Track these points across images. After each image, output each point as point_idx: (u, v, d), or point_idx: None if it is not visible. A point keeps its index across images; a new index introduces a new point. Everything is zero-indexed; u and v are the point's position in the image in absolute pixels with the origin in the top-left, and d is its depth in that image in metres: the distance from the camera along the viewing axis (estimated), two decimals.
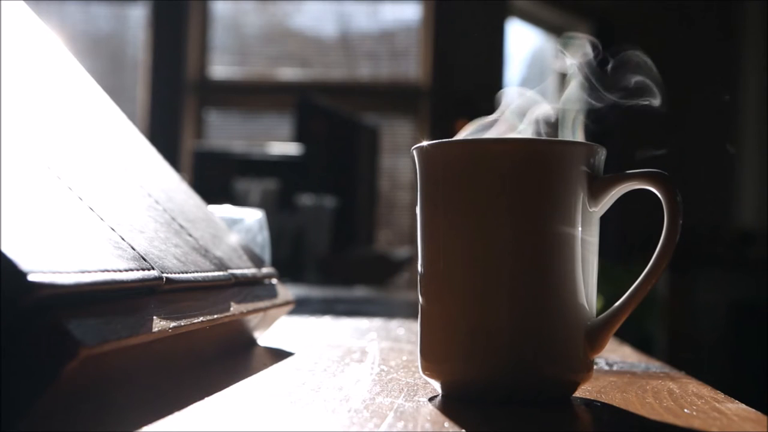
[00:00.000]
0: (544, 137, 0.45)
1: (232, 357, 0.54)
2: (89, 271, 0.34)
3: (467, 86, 3.53)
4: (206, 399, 0.39)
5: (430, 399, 0.41)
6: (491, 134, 0.45)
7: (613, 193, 0.42)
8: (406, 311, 1.05)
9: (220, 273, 0.52)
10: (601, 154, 0.42)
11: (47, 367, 0.30)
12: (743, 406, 0.40)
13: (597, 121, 0.45)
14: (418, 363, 0.43)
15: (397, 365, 0.52)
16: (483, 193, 0.40)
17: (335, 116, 2.75)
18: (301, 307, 0.96)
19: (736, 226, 3.54)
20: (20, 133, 0.41)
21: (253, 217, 0.75)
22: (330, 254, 2.23)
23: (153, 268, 0.41)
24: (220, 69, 3.81)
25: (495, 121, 0.45)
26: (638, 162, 0.45)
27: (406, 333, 0.73)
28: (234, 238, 0.64)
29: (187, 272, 0.46)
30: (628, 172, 0.42)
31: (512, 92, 0.45)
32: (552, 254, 0.40)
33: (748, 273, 3.30)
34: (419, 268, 0.43)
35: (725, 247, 3.40)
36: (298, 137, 2.58)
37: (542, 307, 0.40)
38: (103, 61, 3.75)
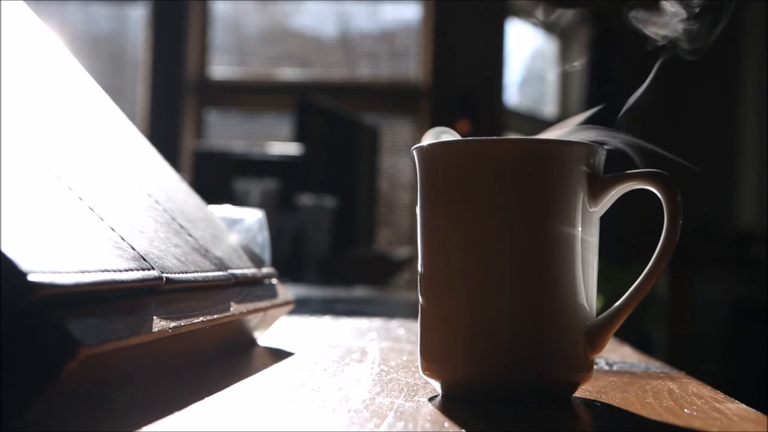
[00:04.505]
0: (543, 137, 0.45)
1: (232, 357, 0.54)
2: (89, 271, 0.34)
3: (467, 86, 3.53)
4: (206, 399, 0.39)
5: (430, 399, 0.41)
6: None
7: (613, 193, 0.42)
8: (406, 311, 1.05)
9: (220, 273, 0.52)
10: (601, 154, 0.42)
11: (47, 367, 0.30)
12: (743, 406, 0.40)
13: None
14: (418, 363, 0.43)
15: (397, 365, 0.52)
16: (483, 193, 0.40)
17: (335, 116, 2.75)
18: (301, 307, 0.96)
19: (736, 226, 3.54)
20: (20, 133, 0.41)
21: (253, 217, 0.75)
22: (330, 254, 2.23)
23: (153, 268, 0.41)
24: (220, 69, 3.81)
25: None
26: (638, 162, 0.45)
27: (406, 333, 0.73)
28: (234, 238, 0.64)
29: (187, 272, 0.46)
30: (628, 172, 0.42)
31: None
32: (552, 254, 0.40)
33: (748, 273, 3.30)
34: (419, 268, 0.43)
35: (725, 247, 3.41)
36: (298, 137, 2.58)
37: (542, 307, 0.40)
38: (103, 61, 3.76)
